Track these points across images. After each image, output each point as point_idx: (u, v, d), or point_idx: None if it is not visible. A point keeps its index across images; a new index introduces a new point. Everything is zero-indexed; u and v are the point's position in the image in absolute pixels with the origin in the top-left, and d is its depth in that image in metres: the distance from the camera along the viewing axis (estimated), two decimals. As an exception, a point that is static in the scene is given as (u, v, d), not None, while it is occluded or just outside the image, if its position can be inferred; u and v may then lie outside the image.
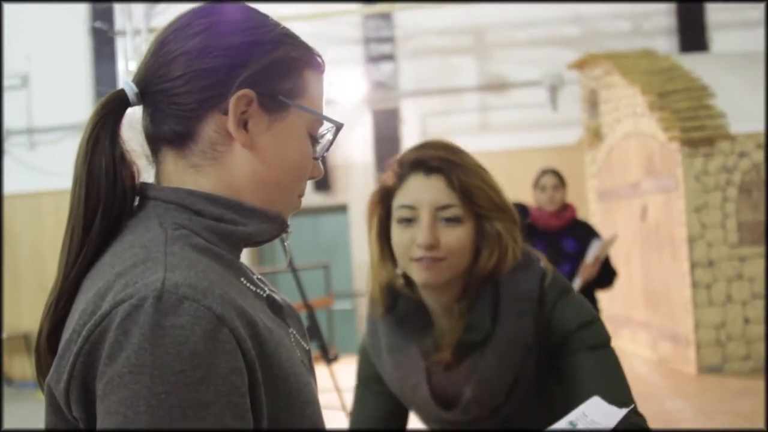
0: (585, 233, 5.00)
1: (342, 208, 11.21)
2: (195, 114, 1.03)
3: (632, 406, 1.60)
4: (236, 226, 1.04)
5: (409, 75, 11.21)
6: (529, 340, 1.69)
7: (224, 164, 1.04)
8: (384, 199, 1.76)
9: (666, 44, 10.98)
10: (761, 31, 10.04)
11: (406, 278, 1.75)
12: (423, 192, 1.69)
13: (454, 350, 1.71)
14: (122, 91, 1.06)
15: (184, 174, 1.05)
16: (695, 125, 7.89)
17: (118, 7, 9.99)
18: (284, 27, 1.10)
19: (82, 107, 10.69)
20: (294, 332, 1.11)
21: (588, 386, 1.64)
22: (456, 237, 1.67)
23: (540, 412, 1.74)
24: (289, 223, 1.12)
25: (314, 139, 1.10)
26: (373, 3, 10.99)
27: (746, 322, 7.84)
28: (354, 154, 10.95)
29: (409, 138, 10.64)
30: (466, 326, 1.70)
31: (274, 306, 1.08)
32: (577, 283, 4.78)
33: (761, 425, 5.66)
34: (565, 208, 5.09)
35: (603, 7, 11.02)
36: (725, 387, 7.21)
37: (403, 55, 11.26)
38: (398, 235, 1.70)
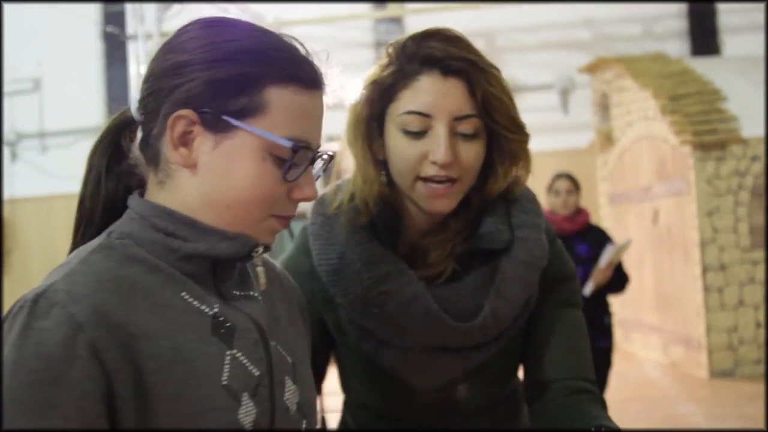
0: (598, 238, 4.99)
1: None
2: (158, 132, 1.06)
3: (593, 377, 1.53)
4: (186, 242, 1.05)
5: (420, 78, 11.17)
6: (545, 258, 1.51)
7: (177, 182, 1.06)
8: (379, 98, 1.47)
9: (677, 48, 10.96)
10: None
11: (389, 186, 1.49)
12: (440, 97, 1.40)
13: (460, 260, 1.48)
14: (128, 108, 1.13)
15: (154, 189, 1.09)
16: (707, 129, 7.87)
17: (129, 11, 10.02)
18: (250, 41, 1.05)
19: (93, 111, 10.72)
20: (239, 354, 1.05)
21: (564, 344, 1.52)
22: (474, 154, 1.42)
23: (513, 370, 1.59)
24: (259, 244, 1.08)
25: (280, 160, 1.04)
26: (384, 4, 11.00)
27: (758, 326, 7.80)
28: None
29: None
30: (477, 236, 1.48)
31: (220, 325, 1.05)
32: (589, 288, 4.77)
33: (774, 430, 5.64)
34: (579, 212, 5.07)
35: (614, 10, 11.01)
36: (737, 391, 7.18)
37: (414, 59, 11.24)
38: (404, 147, 1.41)
